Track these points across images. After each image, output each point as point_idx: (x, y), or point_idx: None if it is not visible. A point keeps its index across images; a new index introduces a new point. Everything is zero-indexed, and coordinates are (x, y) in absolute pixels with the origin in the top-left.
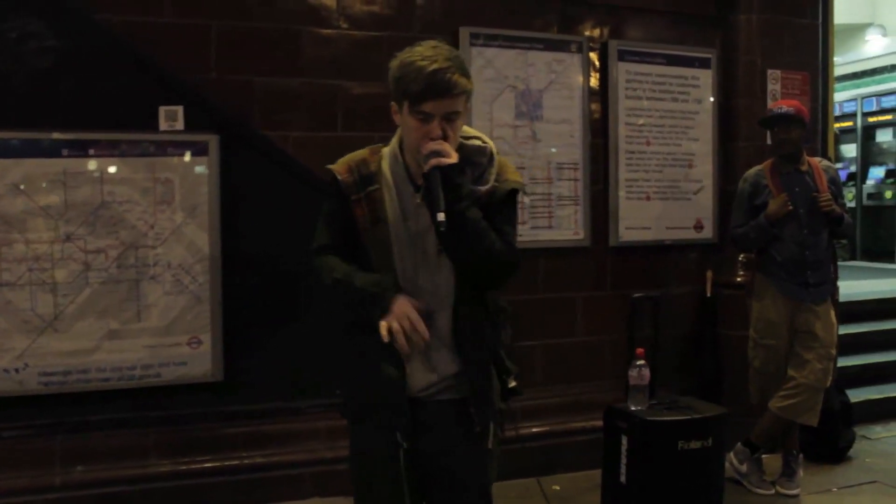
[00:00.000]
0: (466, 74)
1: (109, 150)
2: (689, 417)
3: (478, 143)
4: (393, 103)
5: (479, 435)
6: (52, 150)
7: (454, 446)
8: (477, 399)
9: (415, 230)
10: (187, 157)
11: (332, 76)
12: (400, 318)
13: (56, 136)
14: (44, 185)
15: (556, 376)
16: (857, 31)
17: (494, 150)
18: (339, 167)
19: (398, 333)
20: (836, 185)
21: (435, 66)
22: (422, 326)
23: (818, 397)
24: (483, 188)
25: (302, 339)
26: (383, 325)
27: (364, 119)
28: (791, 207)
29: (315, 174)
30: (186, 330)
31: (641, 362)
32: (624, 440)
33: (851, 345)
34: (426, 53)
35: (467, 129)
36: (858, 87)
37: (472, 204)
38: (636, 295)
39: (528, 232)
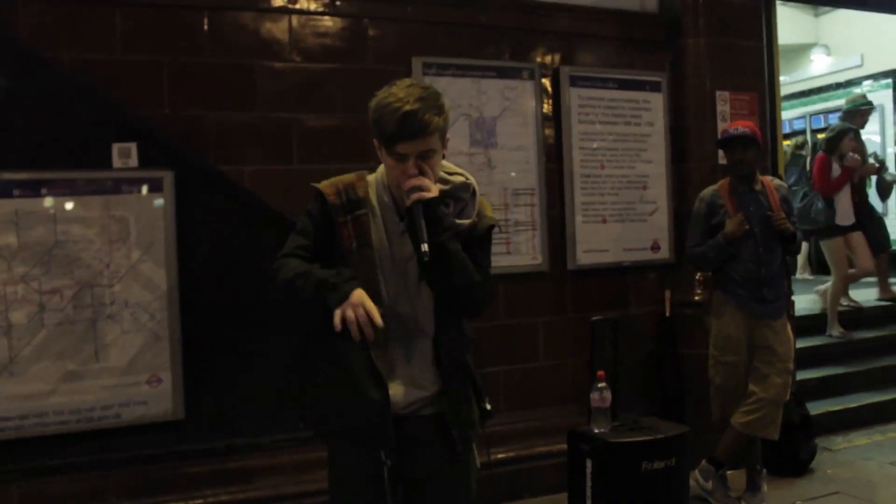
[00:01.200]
0: (439, 112)
1: (62, 188)
2: (651, 438)
3: (461, 179)
4: (375, 140)
5: (461, 455)
6: (3, 191)
7: (437, 463)
8: (458, 420)
9: (398, 257)
10: (142, 194)
11: (286, 109)
12: (355, 307)
13: (6, 175)
14: None
15: (520, 401)
16: (802, 50)
17: (476, 188)
18: (327, 187)
19: (351, 322)
20: (787, 204)
21: (406, 107)
22: (376, 316)
23: (779, 411)
24: (466, 221)
25: (263, 375)
26: (337, 313)
27: (319, 152)
28: (748, 227)
29: (271, 207)
30: (146, 368)
31: (602, 385)
32: (588, 463)
33: (810, 357)
34: (399, 94)
35: (449, 166)
36: (806, 104)
37: (453, 236)
38: (595, 318)
39: None
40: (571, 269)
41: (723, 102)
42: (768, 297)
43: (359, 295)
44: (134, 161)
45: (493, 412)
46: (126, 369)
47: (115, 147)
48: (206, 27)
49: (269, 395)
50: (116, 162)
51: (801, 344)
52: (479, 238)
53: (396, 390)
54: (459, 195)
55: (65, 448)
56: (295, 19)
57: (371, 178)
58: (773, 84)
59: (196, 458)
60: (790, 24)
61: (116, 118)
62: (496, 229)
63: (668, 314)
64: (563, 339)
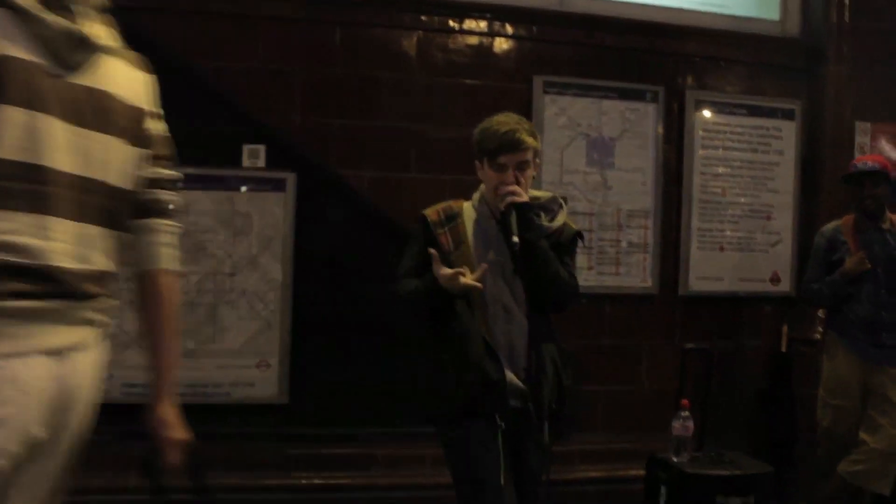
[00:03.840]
0: (533, 135)
1: (196, 183)
2: (729, 473)
3: (551, 195)
4: (476, 161)
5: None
6: None
7: (526, 435)
8: (537, 398)
9: (495, 255)
10: (267, 193)
11: (408, 120)
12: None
13: None
14: None
15: (617, 423)
16: None
17: (564, 203)
18: (429, 211)
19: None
20: None
21: (507, 128)
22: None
23: (891, 465)
24: (554, 225)
25: (364, 370)
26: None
27: (436, 162)
28: (869, 266)
29: (385, 213)
30: (257, 353)
31: (686, 413)
32: (663, 490)
33: None
34: (501, 120)
35: (543, 192)
36: None
37: (542, 236)
38: (688, 346)
39: (595, 277)
40: (683, 294)
41: (863, 134)
42: (887, 343)
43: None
44: (262, 162)
45: (569, 388)
46: (239, 352)
47: (246, 148)
48: (337, 41)
49: (368, 390)
50: (246, 162)
51: None
52: (566, 242)
53: (504, 367)
54: (549, 206)
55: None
56: (422, 35)
57: (466, 203)
58: None
59: (295, 442)
60: None
61: (249, 122)
62: (581, 240)
63: (783, 350)
64: (667, 365)
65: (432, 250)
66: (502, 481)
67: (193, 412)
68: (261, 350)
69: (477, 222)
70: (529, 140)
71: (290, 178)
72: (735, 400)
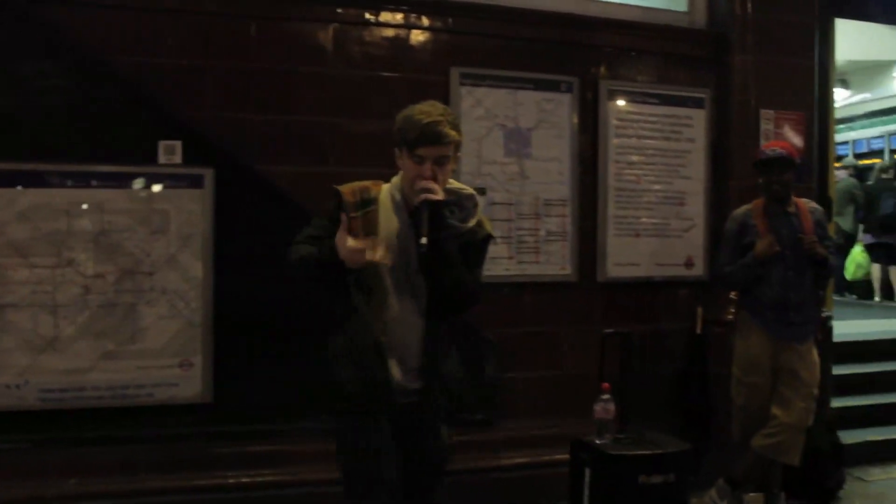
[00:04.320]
0: (456, 128)
1: (110, 181)
2: (650, 452)
3: (470, 191)
4: (395, 149)
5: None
6: (57, 181)
7: (419, 433)
8: (430, 402)
9: (403, 249)
10: (184, 189)
11: (325, 114)
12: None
13: (60, 167)
14: (48, 213)
15: (540, 409)
16: (884, 67)
17: (479, 201)
18: (345, 188)
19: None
20: (821, 228)
21: (429, 119)
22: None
23: (800, 437)
24: (466, 225)
25: (289, 365)
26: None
27: (354, 156)
28: (778, 249)
29: (305, 207)
30: (179, 352)
31: (607, 396)
32: (587, 472)
33: (855, 385)
34: (424, 109)
35: (459, 184)
36: (886, 124)
37: (451, 237)
38: (607, 331)
39: (516, 266)
40: (601, 280)
41: (767, 121)
42: (795, 321)
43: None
44: (178, 158)
45: (496, 377)
46: (160, 352)
47: (162, 144)
48: (253, 33)
49: (293, 386)
50: (161, 158)
51: (846, 371)
52: (476, 244)
53: (393, 366)
54: (464, 204)
55: (100, 422)
56: (338, 27)
57: (385, 185)
58: (825, 105)
59: (221, 441)
60: (872, 41)
61: (164, 118)
62: (493, 241)
63: (698, 331)
64: (586, 350)
65: (344, 215)
66: (387, 477)
67: (116, 415)
68: (183, 349)
69: (390, 213)
70: (452, 133)
71: (208, 174)
72: (654, 381)
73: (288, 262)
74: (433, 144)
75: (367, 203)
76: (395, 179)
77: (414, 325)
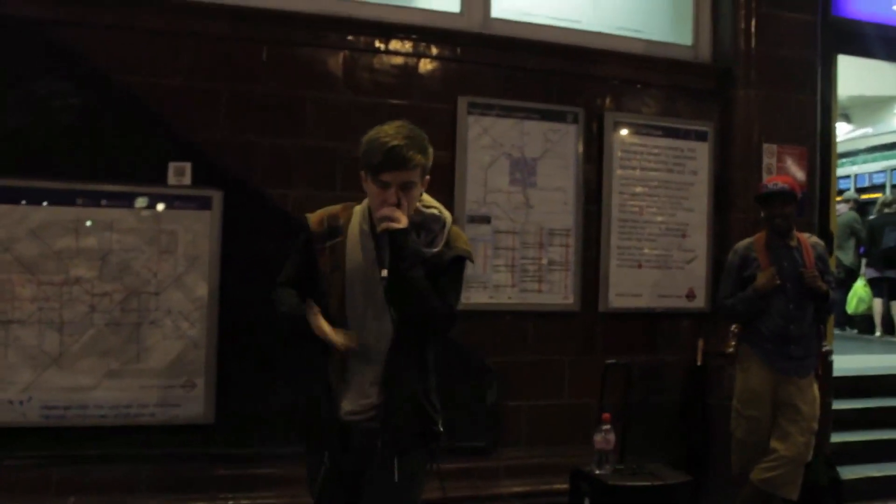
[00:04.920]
0: (422, 151)
1: (120, 200)
2: (650, 483)
3: (435, 212)
4: (361, 172)
5: (391, 465)
6: (67, 199)
7: (376, 470)
8: (387, 432)
9: (370, 279)
10: (192, 211)
11: (334, 139)
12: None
13: (71, 185)
14: (58, 230)
15: (541, 437)
16: (887, 103)
17: (448, 220)
18: (314, 218)
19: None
20: (823, 262)
21: (394, 143)
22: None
23: (799, 470)
24: (432, 250)
25: (290, 388)
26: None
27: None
28: (779, 281)
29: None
30: (182, 373)
31: (607, 427)
32: (586, 503)
33: (856, 420)
34: (389, 131)
35: (429, 200)
36: (888, 158)
37: (416, 264)
38: (609, 361)
39: (518, 295)
40: (603, 311)
41: (769, 155)
42: (795, 355)
43: (315, 325)
44: (187, 179)
45: (441, 436)
46: (164, 372)
47: (171, 166)
48: (264, 59)
49: (295, 409)
50: (171, 179)
51: (847, 405)
52: (445, 267)
53: (347, 399)
54: (430, 226)
55: (102, 440)
56: (348, 54)
57: (357, 208)
58: (827, 139)
59: (222, 462)
60: (874, 76)
61: (175, 139)
62: (468, 262)
63: (699, 363)
64: (588, 380)
65: (313, 313)
66: None
67: (118, 434)
68: (186, 370)
69: (357, 242)
70: (417, 157)
71: (217, 196)
72: (654, 412)
73: (274, 305)
74: (397, 169)
75: (335, 233)
76: (366, 202)
77: (375, 357)
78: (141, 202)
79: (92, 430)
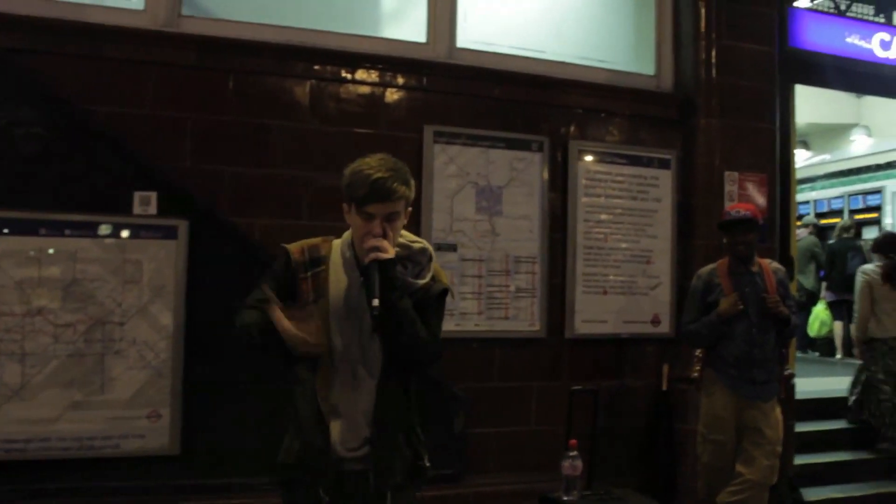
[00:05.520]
0: (406, 183)
1: (84, 230)
2: None
3: (420, 245)
4: (344, 204)
5: (385, 500)
6: (30, 229)
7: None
8: (378, 469)
9: (355, 309)
10: (158, 240)
11: (301, 168)
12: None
13: (34, 215)
14: (20, 260)
15: (510, 464)
16: (843, 130)
17: (433, 254)
18: (293, 247)
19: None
20: (784, 287)
21: (378, 175)
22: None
23: (764, 494)
24: (420, 282)
25: (258, 418)
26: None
27: (329, 210)
28: (742, 307)
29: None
30: (147, 403)
31: (574, 453)
32: None
33: (818, 442)
34: (372, 164)
35: (410, 235)
36: (845, 184)
37: (405, 295)
38: (575, 387)
39: (485, 322)
40: (569, 337)
41: (731, 182)
42: (759, 379)
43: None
44: (153, 209)
45: (429, 471)
46: (128, 403)
47: (137, 195)
48: (230, 88)
49: (263, 439)
50: (137, 208)
51: (809, 428)
52: (431, 299)
53: (336, 432)
54: (417, 259)
55: (65, 473)
56: (315, 84)
57: (336, 242)
58: (787, 166)
59: (189, 494)
60: (831, 105)
61: (140, 168)
62: (449, 295)
63: (664, 388)
64: (555, 406)
65: (274, 307)
66: None
67: (81, 467)
68: (151, 400)
69: (341, 273)
70: (402, 189)
71: (182, 226)
72: (621, 438)
73: (235, 329)
74: (382, 201)
75: (317, 262)
76: (346, 235)
77: (364, 390)
78: (105, 231)
79: (54, 464)
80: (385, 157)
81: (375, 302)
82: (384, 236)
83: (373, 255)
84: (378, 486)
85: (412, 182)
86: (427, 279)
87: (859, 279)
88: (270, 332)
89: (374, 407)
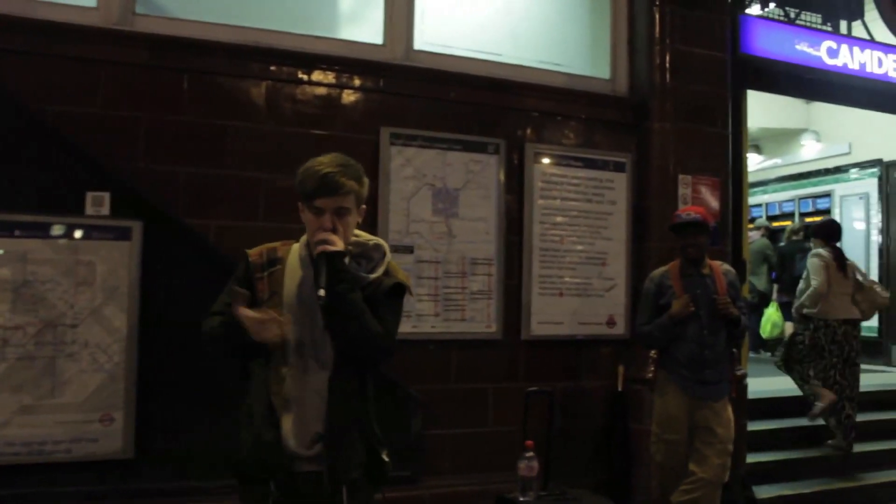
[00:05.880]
0: (356, 179)
1: (35, 231)
2: None
3: (375, 242)
4: (299, 203)
5: (339, 496)
6: None
7: (318, 501)
8: (332, 465)
9: (309, 305)
10: (111, 242)
11: (256, 169)
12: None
13: None
14: None
15: (464, 465)
16: (793, 135)
17: (388, 251)
18: (253, 251)
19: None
20: (734, 289)
21: (327, 170)
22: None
23: (717, 492)
24: (371, 276)
25: (214, 420)
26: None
27: (284, 211)
28: (693, 308)
29: (234, 261)
30: (100, 407)
31: (530, 454)
32: None
33: (766, 440)
34: (323, 161)
35: (366, 234)
36: (796, 188)
37: (355, 288)
38: (530, 389)
39: (442, 323)
40: (525, 338)
41: (685, 186)
42: (710, 379)
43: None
44: (106, 209)
45: (389, 465)
46: (80, 406)
47: (89, 195)
48: (185, 87)
49: (219, 441)
50: (89, 209)
51: (761, 426)
52: (385, 294)
53: (288, 426)
54: (370, 255)
55: (15, 479)
56: (271, 84)
57: (295, 245)
58: (739, 170)
59: (144, 498)
60: (782, 110)
61: (93, 168)
62: (407, 292)
63: (620, 389)
64: (512, 407)
65: (239, 289)
66: None
67: (30, 472)
68: (104, 404)
69: (295, 271)
70: (350, 184)
71: (136, 227)
72: (577, 439)
73: (202, 336)
74: (331, 195)
75: (273, 263)
76: (304, 237)
77: (316, 384)
78: (57, 232)
79: (4, 470)
80: (337, 155)
81: (321, 292)
82: (334, 231)
83: (321, 248)
84: (333, 482)
85: (365, 180)
86: (379, 273)
87: (816, 261)
88: (233, 326)
89: (327, 402)
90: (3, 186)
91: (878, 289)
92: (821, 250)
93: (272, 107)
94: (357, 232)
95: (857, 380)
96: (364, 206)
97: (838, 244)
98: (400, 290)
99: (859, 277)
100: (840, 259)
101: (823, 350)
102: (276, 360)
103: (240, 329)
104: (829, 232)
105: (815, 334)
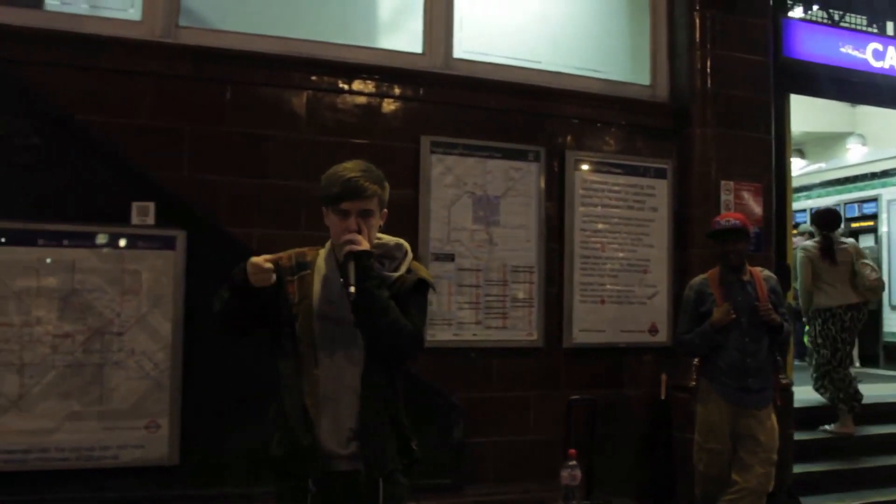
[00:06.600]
0: (378, 183)
1: (83, 240)
2: None
3: (396, 242)
4: (323, 208)
5: (376, 492)
6: (28, 239)
7: (357, 497)
8: (368, 458)
9: (338, 307)
10: (156, 251)
11: (298, 178)
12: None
13: (32, 226)
14: (18, 271)
15: (508, 473)
16: (839, 139)
17: (409, 249)
18: (282, 254)
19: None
20: (776, 295)
21: (351, 174)
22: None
23: (761, 502)
24: (395, 274)
25: (257, 427)
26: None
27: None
28: (734, 316)
29: None
30: (146, 414)
31: (573, 462)
32: None
33: (816, 450)
34: (346, 166)
35: (387, 236)
36: (841, 193)
37: (382, 285)
38: (573, 397)
39: (483, 331)
40: (567, 346)
41: (727, 192)
42: (753, 387)
43: (250, 261)
44: (151, 219)
45: (418, 454)
46: (127, 413)
47: (135, 205)
48: (228, 98)
49: (262, 448)
50: (135, 219)
51: (808, 436)
52: (409, 290)
53: (323, 427)
54: (393, 254)
55: (63, 484)
56: (311, 94)
57: (322, 250)
58: (782, 175)
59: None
60: (827, 114)
61: (138, 179)
62: (431, 289)
63: (662, 397)
64: (553, 415)
65: (266, 262)
66: None
67: (79, 477)
68: (150, 411)
69: (325, 274)
70: (373, 187)
71: (180, 236)
72: (620, 447)
73: (215, 316)
74: (355, 198)
75: (303, 267)
76: (328, 243)
77: (348, 383)
78: (103, 241)
79: (53, 475)
80: (358, 161)
81: (352, 289)
82: (359, 232)
83: (347, 248)
84: (369, 476)
85: (386, 184)
86: (402, 271)
87: (799, 255)
88: (238, 285)
89: (359, 399)
90: (52, 197)
91: (868, 271)
92: (807, 243)
93: (313, 116)
94: (378, 234)
95: None
96: (386, 210)
97: (839, 231)
98: (424, 286)
99: (863, 262)
100: (827, 249)
101: (836, 341)
102: (308, 363)
103: (243, 279)
104: (828, 220)
105: (824, 326)
